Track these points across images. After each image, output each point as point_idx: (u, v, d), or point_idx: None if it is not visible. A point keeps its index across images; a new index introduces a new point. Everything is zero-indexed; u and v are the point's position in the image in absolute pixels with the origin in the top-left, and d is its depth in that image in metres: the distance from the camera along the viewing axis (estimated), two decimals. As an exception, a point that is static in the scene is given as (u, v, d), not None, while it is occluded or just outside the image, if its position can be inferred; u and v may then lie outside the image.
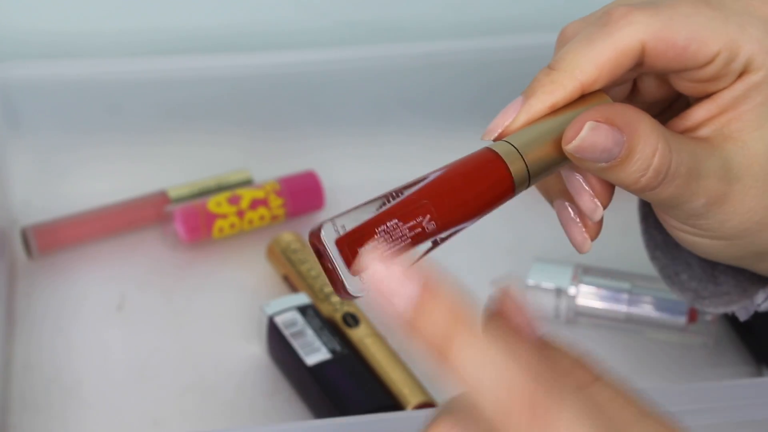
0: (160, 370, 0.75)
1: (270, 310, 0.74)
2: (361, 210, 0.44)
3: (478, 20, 0.95)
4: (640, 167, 0.45)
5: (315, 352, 0.72)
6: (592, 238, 0.49)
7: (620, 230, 0.74)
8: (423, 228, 0.43)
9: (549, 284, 0.77)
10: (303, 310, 0.74)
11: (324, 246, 0.42)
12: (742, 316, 0.54)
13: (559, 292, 0.77)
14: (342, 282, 0.42)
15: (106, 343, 0.77)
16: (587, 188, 0.48)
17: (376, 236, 0.42)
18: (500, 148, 0.45)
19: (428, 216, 0.43)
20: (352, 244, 0.42)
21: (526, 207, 0.47)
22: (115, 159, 0.88)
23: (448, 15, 0.95)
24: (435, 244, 0.44)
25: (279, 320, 0.73)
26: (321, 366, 0.71)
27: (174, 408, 0.72)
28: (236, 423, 0.71)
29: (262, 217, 0.85)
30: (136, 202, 0.85)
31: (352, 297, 0.43)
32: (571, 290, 0.77)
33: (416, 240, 0.43)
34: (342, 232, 0.43)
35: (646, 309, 0.76)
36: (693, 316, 0.76)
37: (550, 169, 0.47)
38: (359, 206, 0.44)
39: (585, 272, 0.78)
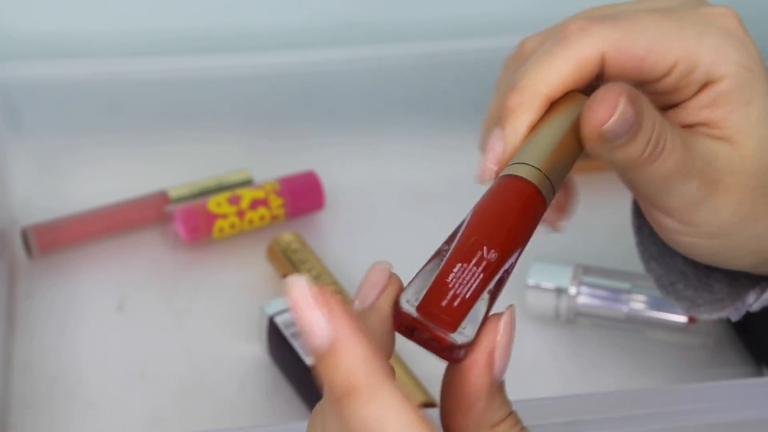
0: (160, 370, 0.75)
1: (270, 310, 0.74)
2: (421, 277, 0.44)
3: (478, 20, 0.95)
4: (645, 139, 0.45)
5: (315, 352, 0.71)
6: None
7: (620, 230, 0.74)
8: (487, 260, 0.43)
9: (549, 284, 0.77)
10: (303, 310, 0.74)
11: (414, 318, 0.42)
12: (734, 317, 0.54)
13: (559, 292, 0.77)
14: (450, 341, 0.42)
15: (106, 343, 0.77)
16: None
17: (450, 287, 0.42)
18: (518, 171, 0.45)
19: (485, 247, 0.43)
20: (433, 304, 0.42)
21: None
22: (115, 159, 0.88)
23: (448, 15, 0.95)
24: (503, 278, 0.44)
25: (279, 320, 0.73)
26: (321, 366, 0.71)
27: (174, 408, 0.72)
28: (236, 423, 0.71)
29: (262, 217, 0.85)
30: (136, 202, 0.85)
31: (463, 348, 0.42)
32: (571, 290, 0.77)
33: (487, 273, 0.43)
34: (418, 301, 0.42)
35: (646, 309, 0.76)
36: (693, 316, 0.76)
37: (564, 172, 0.47)
38: (417, 275, 0.44)
39: (585, 272, 0.78)
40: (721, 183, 0.48)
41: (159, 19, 0.92)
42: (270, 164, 0.88)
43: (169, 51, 0.92)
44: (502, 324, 0.42)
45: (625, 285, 0.77)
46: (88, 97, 0.86)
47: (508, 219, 0.44)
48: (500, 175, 0.46)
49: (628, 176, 0.50)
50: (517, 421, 0.42)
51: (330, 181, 0.87)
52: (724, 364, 0.76)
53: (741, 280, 0.55)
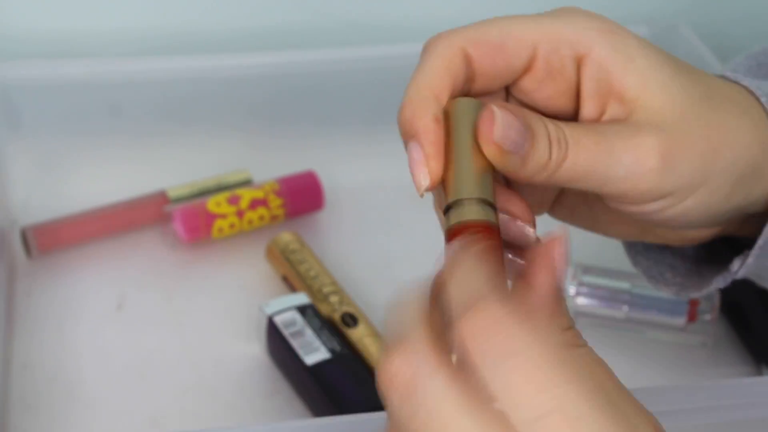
0: (159, 369, 0.75)
1: (269, 310, 0.74)
2: None
3: (478, 20, 0.94)
4: (545, 140, 0.47)
5: (314, 352, 0.72)
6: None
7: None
8: None
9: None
10: (302, 309, 0.74)
11: None
12: (721, 285, 0.55)
13: (559, 292, 0.77)
14: None
15: (105, 343, 0.77)
16: (506, 216, 0.48)
17: None
18: (467, 215, 0.45)
19: None
20: None
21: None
22: (115, 159, 0.88)
23: (448, 15, 0.95)
24: None
25: (278, 320, 0.73)
26: (320, 366, 0.71)
27: (173, 407, 0.72)
28: (235, 423, 0.71)
29: (261, 217, 0.85)
30: (136, 202, 0.85)
31: None
32: (571, 290, 0.77)
33: None
34: None
35: (646, 309, 0.76)
36: (692, 315, 0.76)
37: (491, 184, 0.47)
38: None
39: (585, 272, 0.78)
40: (665, 143, 0.48)
41: (159, 19, 0.92)
42: (269, 164, 0.88)
43: (169, 51, 0.92)
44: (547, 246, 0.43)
45: (625, 285, 0.77)
46: (88, 97, 0.86)
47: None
48: (454, 224, 0.46)
49: (576, 201, 0.52)
50: (581, 336, 0.43)
51: (330, 181, 0.87)
52: (724, 363, 0.76)
53: (729, 260, 0.55)
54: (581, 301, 0.77)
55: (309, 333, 0.73)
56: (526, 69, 0.49)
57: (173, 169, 0.87)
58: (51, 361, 0.75)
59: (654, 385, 0.70)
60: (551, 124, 0.47)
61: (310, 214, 0.87)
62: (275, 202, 0.85)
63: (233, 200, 0.84)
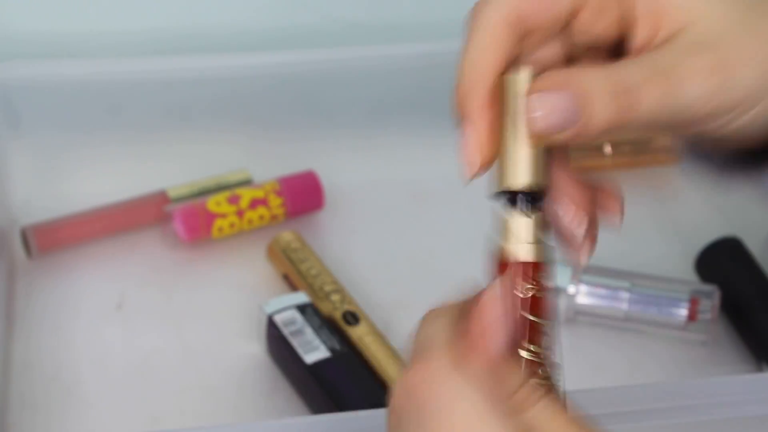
0: (159, 368, 0.75)
1: (269, 309, 0.74)
2: None
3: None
4: (605, 100, 0.45)
5: (314, 351, 0.72)
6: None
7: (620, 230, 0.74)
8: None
9: (549, 283, 0.77)
10: (302, 308, 0.74)
11: None
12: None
13: (559, 291, 0.77)
14: None
15: (105, 342, 0.77)
16: (560, 211, 0.48)
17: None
18: (521, 251, 0.46)
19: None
20: None
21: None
22: (115, 159, 0.88)
23: (448, 15, 0.95)
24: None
25: (278, 319, 0.73)
26: (320, 364, 0.71)
27: (173, 406, 0.72)
28: (236, 421, 0.71)
29: (261, 217, 0.85)
30: (136, 202, 0.85)
31: None
32: (571, 289, 0.77)
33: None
34: None
35: (645, 308, 0.76)
36: (693, 314, 0.76)
37: (546, 169, 0.47)
38: None
39: (585, 271, 0.78)
40: (720, 59, 0.48)
41: (159, 19, 0.92)
42: (270, 164, 0.88)
43: (169, 51, 0.92)
44: (483, 305, 0.43)
45: (625, 284, 0.77)
46: (88, 97, 0.86)
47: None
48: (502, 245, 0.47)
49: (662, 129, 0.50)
50: (540, 385, 0.43)
51: (330, 181, 0.87)
52: (724, 362, 0.76)
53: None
54: (581, 300, 0.77)
55: (309, 332, 0.73)
56: (579, 6, 0.48)
57: (173, 168, 0.87)
58: (50, 360, 0.75)
59: (654, 382, 0.70)
60: (612, 73, 0.46)
61: (310, 213, 0.87)
62: (275, 201, 0.85)
63: (233, 200, 0.84)
